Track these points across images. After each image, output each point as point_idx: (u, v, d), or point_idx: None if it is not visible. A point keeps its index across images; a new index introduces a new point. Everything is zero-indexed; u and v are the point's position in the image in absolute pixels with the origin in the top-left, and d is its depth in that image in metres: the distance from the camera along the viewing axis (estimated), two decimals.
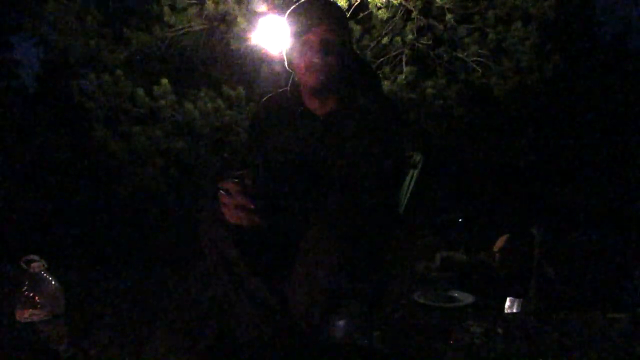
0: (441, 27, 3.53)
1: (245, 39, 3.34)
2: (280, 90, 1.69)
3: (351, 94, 1.57)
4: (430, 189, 4.01)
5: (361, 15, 3.49)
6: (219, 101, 3.44)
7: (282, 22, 1.55)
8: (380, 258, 1.61)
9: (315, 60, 1.50)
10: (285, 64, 1.61)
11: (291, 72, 1.64)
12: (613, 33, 6.97)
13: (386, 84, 3.44)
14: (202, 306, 2.43)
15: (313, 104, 1.59)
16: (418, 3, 3.46)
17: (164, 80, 3.42)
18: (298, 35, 1.52)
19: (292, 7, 1.57)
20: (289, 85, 1.64)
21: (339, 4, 2.97)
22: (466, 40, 3.54)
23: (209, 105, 3.42)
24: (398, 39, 3.54)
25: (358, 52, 3.33)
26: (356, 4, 3.35)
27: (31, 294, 1.77)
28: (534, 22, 3.46)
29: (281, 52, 1.60)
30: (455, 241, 3.58)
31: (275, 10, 3.21)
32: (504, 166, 4.79)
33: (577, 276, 2.88)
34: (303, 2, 1.54)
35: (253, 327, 1.44)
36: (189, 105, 3.42)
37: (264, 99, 1.71)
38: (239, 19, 3.28)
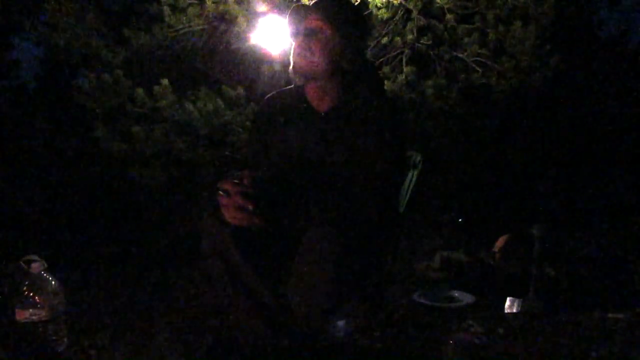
0: (441, 27, 3.53)
1: (245, 39, 3.34)
2: (285, 88, 1.71)
3: (353, 92, 1.58)
4: (430, 189, 4.02)
5: None
6: (219, 101, 3.44)
7: (283, 22, 1.58)
8: (380, 258, 1.61)
9: (300, 42, 1.55)
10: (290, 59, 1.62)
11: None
12: (613, 33, 6.97)
13: (386, 84, 3.44)
14: (202, 306, 2.43)
15: (317, 102, 1.59)
16: (418, 3, 3.46)
17: (164, 80, 3.42)
18: (296, 24, 1.57)
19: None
20: (293, 81, 1.66)
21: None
22: (466, 40, 3.53)
23: (209, 105, 3.42)
24: (398, 39, 3.53)
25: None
26: (356, 4, 3.35)
27: (31, 294, 1.77)
28: (534, 22, 3.46)
29: (285, 50, 1.64)
30: (455, 241, 3.58)
31: (275, 10, 3.21)
32: (504, 166, 4.78)
33: (577, 276, 2.87)
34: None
35: (253, 327, 1.44)
36: (189, 105, 3.42)
37: (268, 96, 1.72)
38: (239, 19, 3.28)
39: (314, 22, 1.54)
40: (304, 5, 1.60)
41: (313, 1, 1.59)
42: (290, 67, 1.59)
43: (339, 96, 1.58)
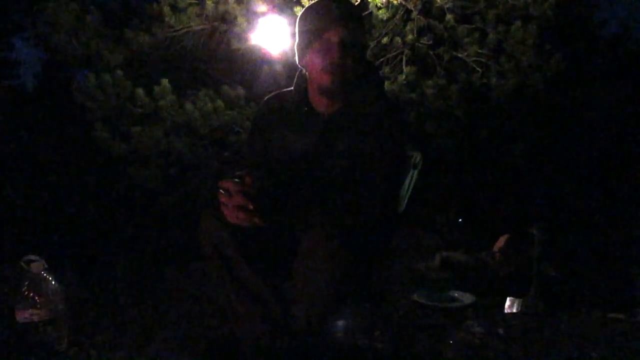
0: (441, 27, 3.53)
1: (245, 39, 3.34)
2: (285, 89, 1.69)
3: (355, 95, 1.57)
4: (430, 189, 4.01)
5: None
6: (219, 101, 3.44)
7: (283, 21, 1.55)
8: (381, 258, 1.61)
9: (335, 60, 1.47)
10: (296, 59, 1.59)
11: (296, 69, 1.63)
12: (613, 33, 6.98)
13: (386, 84, 3.44)
14: (202, 306, 2.43)
15: (319, 104, 1.58)
16: (418, 3, 3.46)
17: (164, 80, 3.43)
18: (317, 33, 1.49)
19: (311, 3, 1.56)
20: (294, 83, 1.63)
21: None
22: (466, 40, 3.54)
23: (209, 105, 3.42)
24: (398, 39, 3.54)
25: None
26: (356, 4, 3.35)
27: (31, 294, 1.77)
28: (534, 22, 3.46)
29: (285, 50, 1.61)
30: (455, 241, 3.58)
31: (275, 10, 3.21)
32: (504, 166, 4.78)
33: (577, 276, 2.88)
34: (322, 0, 1.53)
35: (253, 327, 1.44)
36: (189, 105, 3.43)
37: (268, 96, 1.70)
38: (239, 19, 3.29)
39: (347, 35, 1.46)
40: (329, 14, 1.49)
41: (330, 8, 1.49)
42: (318, 85, 1.53)
43: (342, 98, 1.58)
